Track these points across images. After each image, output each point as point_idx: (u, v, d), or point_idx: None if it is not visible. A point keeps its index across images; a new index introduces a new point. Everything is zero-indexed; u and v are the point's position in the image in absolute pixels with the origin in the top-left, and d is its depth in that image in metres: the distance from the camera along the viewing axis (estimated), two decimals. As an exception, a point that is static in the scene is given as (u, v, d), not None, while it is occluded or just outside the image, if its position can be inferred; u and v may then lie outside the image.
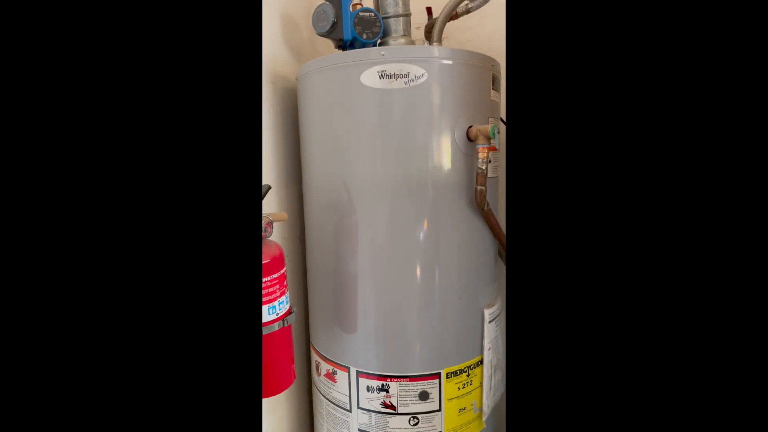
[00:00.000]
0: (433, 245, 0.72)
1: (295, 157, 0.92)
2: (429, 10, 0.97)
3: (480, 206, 0.71)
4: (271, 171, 0.85)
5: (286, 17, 0.92)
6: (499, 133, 0.67)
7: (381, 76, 0.66)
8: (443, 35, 1.14)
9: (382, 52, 0.66)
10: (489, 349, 0.80)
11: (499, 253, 0.87)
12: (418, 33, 1.02)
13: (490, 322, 0.79)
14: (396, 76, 0.66)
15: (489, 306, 0.80)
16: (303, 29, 0.99)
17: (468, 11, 0.97)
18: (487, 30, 1.16)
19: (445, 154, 0.70)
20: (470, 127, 0.69)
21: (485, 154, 0.68)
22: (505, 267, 0.91)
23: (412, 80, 0.66)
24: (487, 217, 0.74)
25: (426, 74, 0.66)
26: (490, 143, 0.67)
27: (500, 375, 0.86)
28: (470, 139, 0.70)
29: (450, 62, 0.68)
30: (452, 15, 1.00)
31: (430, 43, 0.82)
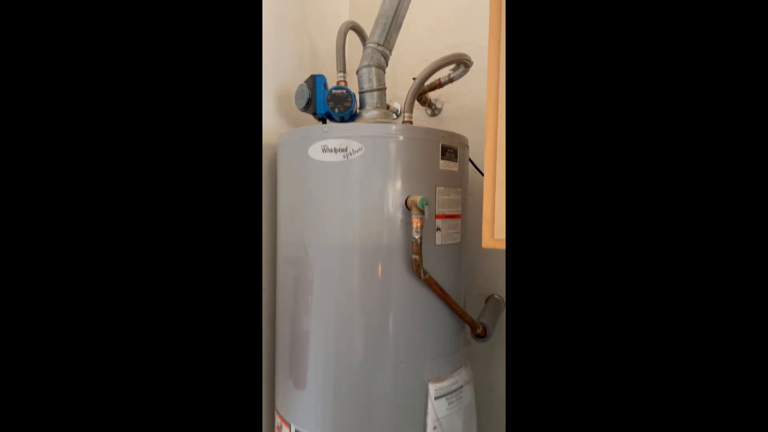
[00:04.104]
0: (374, 310, 0.73)
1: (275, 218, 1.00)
2: (415, 80, 1.03)
3: (417, 274, 0.70)
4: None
5: (283, 90, 1.04)
6: (428, 205, 0.67)
7: (324, 150, 0.72)
8: (444, 100, 1.19)
9: (325, 129, 0.73)
10: (434, 428, 0.75)
11: (470, 323, 0.83)
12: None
13: (437, 398, 0.75)
14: (336, 150, 0.72)
15: (437, 380, 0.76)
16: (301, 101, 1.11)
17: (451, 80, 1.02)
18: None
19: (385, 222, 0.72)
20: (408, 197, 0.71)
21: (419, 224, 0.68)
22: (472, 339, 0.86)
23: (350, 154, 0.71)
24: (429, 285, 0.73)
25: (363, 148, 0.70)
26: (421, 214, 0.68)
27: (455, 459, 0.79)
28: (408, 207, 0.71)
29: (388, 137, 0.71)
30: (435, 84, 1.04)
31: (409, 112, 0.84)
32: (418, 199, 0.67)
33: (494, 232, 0.51)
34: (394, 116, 1.25)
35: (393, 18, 0.90)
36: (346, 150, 0.71)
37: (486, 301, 1.07)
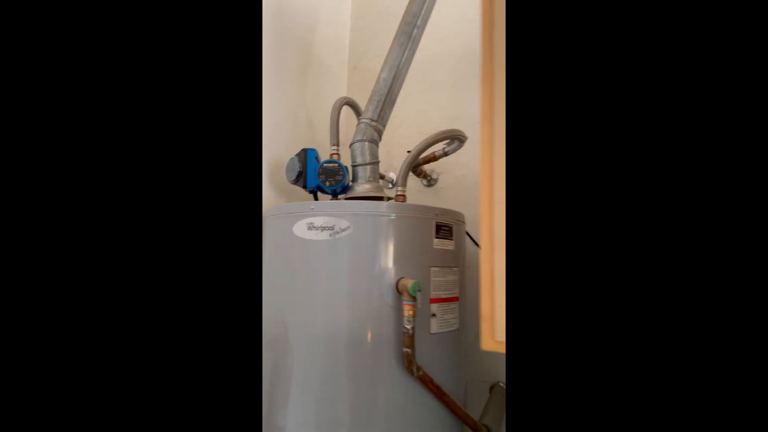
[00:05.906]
0: (362, 412, 0.63)
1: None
2: (409, 154, 1.02)
3: (409, 371, 0.62)
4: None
5: (275, 162, 1.03)
6: (420, 291, 0.61)
7: (309, 228, 0.68)
8: (440, 171, 1.18)
9: (312, 206, 0.69)
10: None
11: (472, 426, 0.72)
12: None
13: None
14: (322, 228, 0.67)
15: (434, 501, 0.63)
16: (293, 172, 1.09)
17: (445, 154, 1.00)
18: (482, 165, 1.17)
19: (373, 308, 0.65)
20: (399, 279, 0.65)
21: (411, 312, 0.61)
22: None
23: (337, 232, 0.66)
24: (424, 384, 0.64)
25: (351, 227, 0.66)
26: (413, 301, 0.61)
27: None
28: (399, 292, 0.64)
29: (379, 215, 0.67)
30: (430, 157, 1.03)
31: (402, 185, 0.81)
32: (410, 283, 0.61)
33: (494, 332, 0.44)
34: (390, 185, 1.23)
35: (387, 95, 0.90)
36: (332, 228, 0.66)
37: (490, 391, 0.96)
